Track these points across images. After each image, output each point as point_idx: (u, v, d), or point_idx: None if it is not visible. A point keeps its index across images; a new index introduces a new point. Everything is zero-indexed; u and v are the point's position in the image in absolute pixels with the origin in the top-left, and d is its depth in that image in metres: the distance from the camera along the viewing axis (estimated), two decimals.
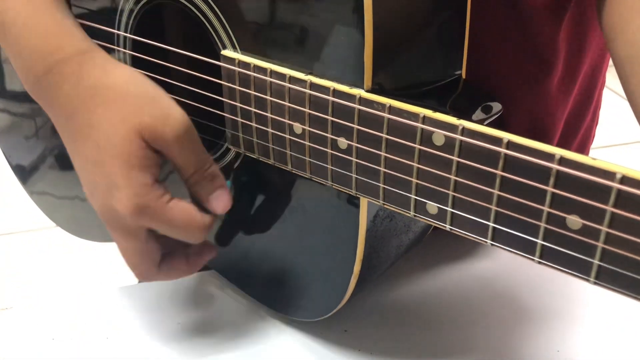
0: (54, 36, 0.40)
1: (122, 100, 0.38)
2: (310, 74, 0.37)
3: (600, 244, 0.28)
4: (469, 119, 0.37)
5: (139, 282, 0.65)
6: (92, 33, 0.49)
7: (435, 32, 0.39)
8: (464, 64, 0.41)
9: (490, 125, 0.40)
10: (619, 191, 0.27)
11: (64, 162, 0.63)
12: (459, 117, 0.33)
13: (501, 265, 0.54)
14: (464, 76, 0.41)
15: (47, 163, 0.65)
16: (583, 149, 0.58)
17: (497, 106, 0.41)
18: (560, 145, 0.53)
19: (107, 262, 1.34)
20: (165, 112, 0.38)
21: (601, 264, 0.28)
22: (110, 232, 0.40)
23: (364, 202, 0.39)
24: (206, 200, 0.40)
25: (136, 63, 0.48)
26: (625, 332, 0.48)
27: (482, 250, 0.56)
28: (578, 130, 0.55)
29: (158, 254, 0.41)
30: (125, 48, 0.48)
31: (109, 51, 0.49)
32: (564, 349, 0.46)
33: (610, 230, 0.27)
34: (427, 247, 0.54)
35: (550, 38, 0.47)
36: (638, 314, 0.49)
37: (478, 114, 0.39)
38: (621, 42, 0.38)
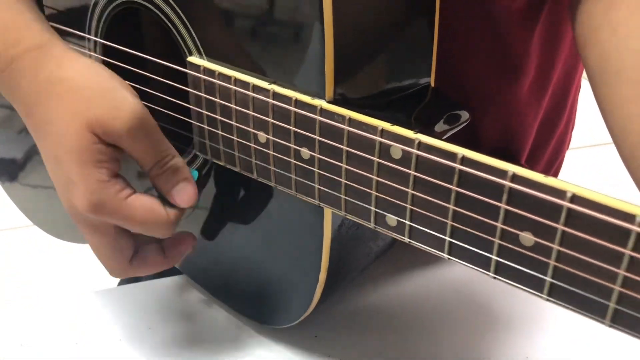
0: (12, 30, 0.39)
1: (74, 94, 0.37)
2: (274, 83, 0.37)
3: (552, 262, 0.28)
4: (432, 130, 0.37)
5: (118, 284, 0.65)
6: (63, 36, 0.49)
7: (401, 41, 0.39)
8: (433, 72, 0.41)
9: (459, 133, 0.40)
10: (569, 210, 0.27)
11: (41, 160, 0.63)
12: (422, 128, 0.33)
13: (470, 272, 0.54)
14: (432, 84, 0.41)
15: (27, 160, 0.64)
16: (558, 154, 0.58)
17: (464, 115, 0.40)
18: (534, 150, 0.54)
19: (80, 264, 1.32)
20: (116, 104, 0.37)
21: (553, 281, 0.28)
22: (79, 228, 0.40)
23: (327, 211, 0.39)
24: (168, 194, 0.39)
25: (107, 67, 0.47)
26: (591, 338, 0.48)
27: None
28: (552, 135, 0.55)
29: (129, 249, 0.40)
30: (95, 52, 0.48)
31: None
32: (533, 354, 0.47)
33: (561, 249, 0.27)
34: (397, 254, 0.54)
35: (522, 43, 0.47)
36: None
37: (441, 125, 0.39)
38: (591, 52, 0.38)
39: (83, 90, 0.37)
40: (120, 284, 0.69)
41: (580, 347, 0.47)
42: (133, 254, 0.41)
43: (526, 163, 0.53)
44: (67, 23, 0.49)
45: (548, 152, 0.56)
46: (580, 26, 0.39)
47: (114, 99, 0.37)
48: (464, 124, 0.40)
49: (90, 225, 0.38)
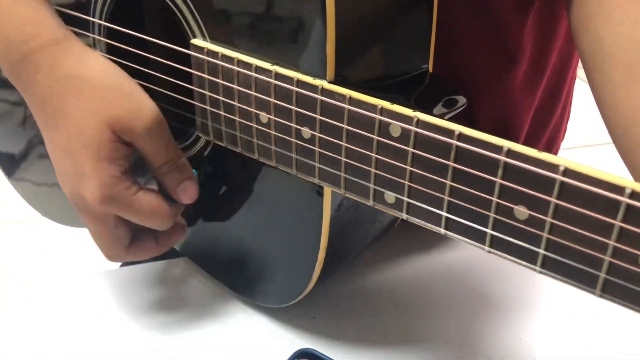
0: (29, 24, 0.40)
1: (95, 92, 0.39)
2: (276, 64, 0.38)
3: (545, 234, 0.29)
4: (430, 113, 0.38)
5: (120, 266, 0.65)
6: (68, 19, 0.50)
7: (401, 25, 0.39)
8: (431, 58, 0.42)
9: (454, 119, 0.41)
10: (562, 183, 0.28)
11: (44, 150, 0.63)
12: (420, 110, 0.34)
13: (466, 256, 0.55)
14: (431, 70, 0.42)
15: (28, 151, 0.65)
16: (553, 143, 0.59)
17: (461, 100, 0.41)
18: (529, 139, 0.55)
19: (82, 250, 1.34)
20: (137, 106, 0.39)
21: (546, 253, 0.29)
22: (80, 217, 0.42)
23: (327, 190, 0.40)
24: (174, 191, 0.42)
25: (111, 50, 0.48)
26: (583, 320, 0.49)
27: (449, 242, 0.57)
28: (547, 124, 0.56)
29: (127, 238, 0.43)
30: (100, 35, 0.49)
31: (84, 38, 0.50)
32: (526, 337, 0.48)
33: (554, 221, 0.28)
34: (395, 237, 0.55)
35: (517, 30, 0.47)
36: (595, 303, 0.50)
37: (439, 108, 0.40)
38: (586, 38, 0.39)
39: (104, 89, 0.39)
40: (122, 264, 0.70)
41: (572, 329, 0.48)
42: (131, 241, 0.43)
43: None
44: (72, 6, 0.49)
45: (543, 141, 0.57)
46: (575, 12, 0.40)
47: (135, 101, 0.39)
48: (461, 109, 0.41)
49: (93, 214, 0.40)
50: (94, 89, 0.39)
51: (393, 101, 0.34)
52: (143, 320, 0.49)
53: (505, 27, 0.47)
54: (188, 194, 0.42)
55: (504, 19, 0.46)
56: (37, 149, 0.63)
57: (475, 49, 0.48)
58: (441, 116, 0.40)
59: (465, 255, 0.56)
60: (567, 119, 0.60)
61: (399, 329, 0.48)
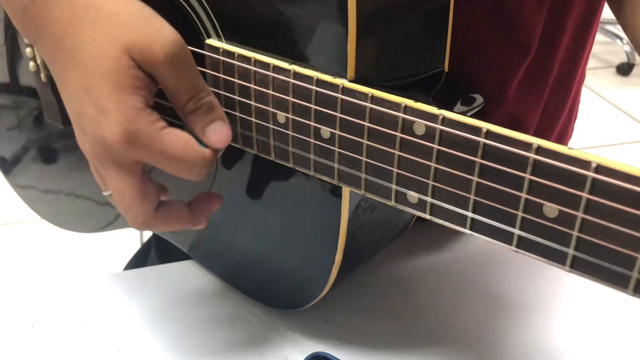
0: None
1: (110, 18, 0.36)
2: (294, 63, 0.37)
3: (575, 232, 0.29)
4: (452, 110, 0.38)
5: (124, 269, 0.65)
6: None
7: (419, 25, 0.39)
8: (447, 57, 0.42)
9: (471, 117, 0.41)
10: (594, 180, 0.27)
11: (47, 155, 0.63)
12: (441, 108, 0.34)
13: (481, 258, 0.55)
14: (446, 69, 0.42)
15: (31, 156, 0.64)
16: (560, 142, 0.59)
17: (479, 99, 0.41)
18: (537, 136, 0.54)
19: (90, 252, 1.33)
20: (155, 29, 0.36)
21: (576, 253, 0.29)
22: (102, 171, 0.38)
23: (346, 192, 0.39)
24: (202, 132, 0.37)
25: None
26: (597, 324, 0.49)
27: (463, 242, 0.57)
28: (555, 124, 0.56)
29: (155, 196, 0.38)
30: None
31: None
32: (540, 340, 0.47)
33: (586, 216, 0.28)
34: (408, 239, 0.54)
35: (531, 23, 0.47)
36: (610, 306, 0.50)
37: (459, 106, 0.39)
38: None
39: (120, 15, 0.36)
40: (126, 268, 0.69)
41: (584, 332, 0.48)
42: (158, 205, 0.39)
43: None
44: None
45: (551, 140, 0.57)
46: None
47: (153, 25, 0.36)
48: (479, 108, 0.41)
49: (117, 163, 0.36)
50: (109, 15, 0.36)
51: (414, 99, 0.33)
52: (151, 325, 0.48)
53: (521, 21, 0.47)
54: (219, 136, 0.37)
55: (522, 12, 0.46)
56: (31, 153, 0.62)
57: (491, 42, 0.47)
58: (462, 114, 0.40)
59: (478, 256, 0.55)
60: (575, 119, 0.60)
61: (412, 332, 0.48)
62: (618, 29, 2.80)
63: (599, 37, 2.72)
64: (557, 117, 0.56)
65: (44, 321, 0.49)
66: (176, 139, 0.36)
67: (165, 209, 0.39)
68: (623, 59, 2.57)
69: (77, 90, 0.36)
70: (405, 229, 0.48)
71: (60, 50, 0.37)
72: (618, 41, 2.60)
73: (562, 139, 0.59)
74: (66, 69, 0.37)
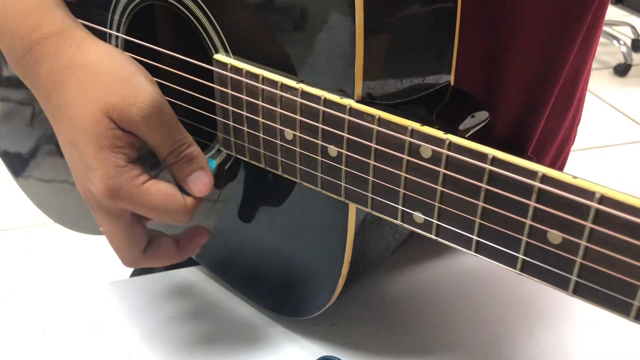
0: (33, 16, 0.40)
1: (92, 79, 0.37)
2: (302, 82, 0.38)
3: (578, 259, 0.29)
4: (456, 129, 0.39)
5: (130, 275, 0.66)
6: None
7: (425, 43, 0.39)
8: (453, 71, 0.42)
9: (478, 131, 0.41)
10: (597, 210, 0.28)
11: (54, 150, 0.63)
12: (446, 127, 0.34)
13: (485, 262, 0.56)
14: (452, 83, 0.42)
15: (42, 154, 0.65)
16: (564, 147, 0.59)
17: (484, 114, 0.42)
18: (541, 144, 0.55)
19: (97, 257, 1.34)
20: (133, 91, 0.37)
21: (579, 279, 0.29)
22: (94, 215, 0.40)
23: (352, 206, 0.40)
24: (183, 182, 0.40)
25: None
26: (600, 327, 0.49)
27: None
28: (559, 129, 0.56)
29: (143, 238, 0.41)
30: (117, 47, 0.49)
31: None
32: (543, 342, 0.48)
33: (589, 245, 0.28)
34: (414, 245, 0.55)
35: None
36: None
37: (465, 122, 0.40)
38: None
39: (101, 75, 0.38)
40: (132, 275, 0.70)
41: (587, 335, 0.49)
42: (147, 245, 0.41)
43: (533, 154, 0.54)
44: (89, 18, 0.49)
45: (555, 146, 0.57)
46: None
47: (131, 86, 0.37)
48: (484, 123, 0.42)
49: (106, 212, 0.39)
50: (91, 76, 0.37)
51: (416, 117, 0.34)
52: (160, 330, 0.49)
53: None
54: (198, 185, 0.39)
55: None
56: (45, 147, 0.63)
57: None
58: (466, 131, 0.40)
59: (482, 262, 0.56)
60: (577, 124, 0.60)
61: (417, 335, 0.49)
62: (615, 30, 2.79)
63: None
64: (561, 122, 0.56)
65: (55, 328, 0.49)
66: (157, 192, 0.38)
67: (153, 249, 0.42)
68: (620, 59, 2.57)
69: (67, 143, 0.39)
70: (411, 236, 0.49)
71: (50, 104, 0.39)
72: (615, 42, 2.60)
73: (566, 143, 0.59)
74: (56, 121, 0.39)
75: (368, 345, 0.48)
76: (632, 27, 2.77)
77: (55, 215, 0.68)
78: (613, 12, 2.89)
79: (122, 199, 0.37)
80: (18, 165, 0.67)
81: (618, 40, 2.60)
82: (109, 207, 0.38)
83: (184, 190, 0.40)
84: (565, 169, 0.64)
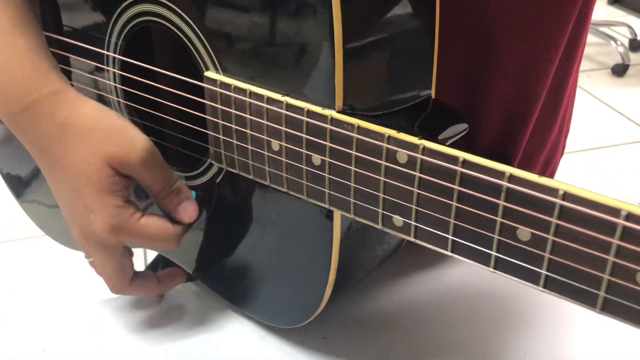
0: (31, 78, 0.44)
1: (89, 134, 0.43)
2: (287, 95, 0.40)
3: (547, 254, 0.30)
4: (435, 138, 0.40)
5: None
6: (83, 53, 0.52)
7: (404, 55, 0.41)
8: (434, 84, 0.44)
9: (459, 140, 0.43)
10: (562, 206, 0.29)
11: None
12: (426, 136, 0.36)
13: (470, 273, 0.57)
14: (433, 95, 0.44)
15: (39, 172, 0.66)
16: (551, 159, 0.60)
17: (463, 125, 0.43)
18: (527, 156, 0.56)
19: (93, 274, 1.34)
20: (130, 141, 0.43)
21: (548, 273, 0.31)
22: (90, 249, 0.46)
23: (337, 214, 0.41)
24: (175, 212, 0.45)
25: (125, 82, 0.50)
26: (587, 335, 0.50)
27: (455, 259, 0.58)
28: (545, 142, 0.57)
29: (131, 269, 0.48)
30: (114, 68, 0.51)
31: (99, 70, 0.52)
32: (530, 351, 0.49)
33: (556, 239, 0.30)
34: (403, 256, 0.56)
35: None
36: (598, 317, 0.51)
37: (445, 133, 0.41)
38: None
39: (99, 131, 0.43)
40: None
41: (576, 343, 0.50)
42: (133, 276, 0.48)
43: (519, 166, 0.55)
44: (88, 41, 0.51)
45: (542, 158, 0.58)
46: None
47: (127, 137, 0.43)
48: (463, 134, 0.43)
49: (103, 246, 0.45)
50: (88, 132, 0.43)
51: (399, 129, 0.36)
52: (158, 345, 0.50)
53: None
54: (188, 213, 0.45)
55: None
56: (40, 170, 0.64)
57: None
58: (445, 141, 0.42)
59: (468, 273, 0.57)
60: (565, 137, 0.62)
61: (407, 346, 0.50)
62: (612, 30, 2.81)
63: (593, 38, 2.74)
64: (547, 135, 0.58)
65: (55, 345, 0.51)
66: (153, 225, 0.44)
67: (139, 280, 0.49)
68: (618, 60, 2.58)
69: (66, 190, 0.44)
70: (399, 247, 0.50)
71: (46, 158, 0.44)
72: (612, 42, 2.62)
73: (553, 155, 0.61)
74: (54, 171, 0.44)
75: (359, 358, 0.49)
76: (630, 27, 2.78)
77: (57, 235, 0.70)
78: (610, 12, 2.90)
79: (123, 234, 0.44)
80: (20, 188, 0.69)
81: (615, 40, 2.61)
82: (109, 242, 0.44)
83: (172, 221, 0.46)
84: (565, 169, 0.65)
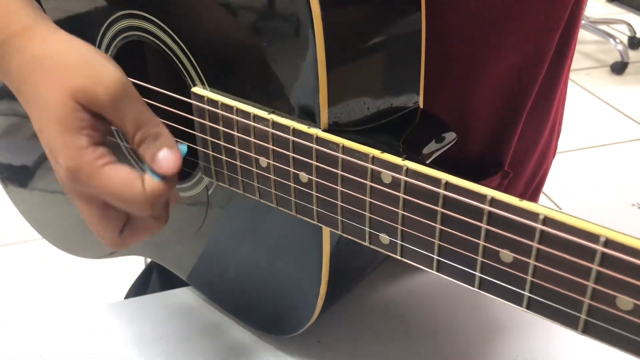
0: (2, 15, 0.41)
1: (57, 66, 0.39)
2: (274, 112, 0.40)
3: (529, 277, 0.31)
4: (420, 153, 0.40)
5: (125, 297, 0.68)
6: None
7: (390, 69, 0.41)
8: (421, 96, 0.44)
9: (447, 151, 0.43)
10: (542, 231, 0.29)
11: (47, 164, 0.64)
12: (410, 152, 0.36)
13: None
14: (421, 106, 0.44)
15: (39, 174, 0.66)
16: (542, 161, 0.60)
17: (450, 135, 0.43)
18: (518, 159, 0.56)
19: (93, 277, 1.35)
20: (98, 72, 0.38)
21: (531, 295, 0.31)
22: (70, 199, 0.40)
23: (326, 228, 0.42)
24: (152, 161, 0.39)
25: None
26: (577, 339, 0.50)
27: None
28: (535, 145, 0.57)
29: (120, 219, 0.41)
30: None
31: None
32: (522, 354, 0.49)
33: (537, 263, 0.30)
34: (394, 262, 0.56)
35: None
36: None
37: (431, 145, 0.41)
38: None
39: (66, 61, 0.39)
40: (127, 296, 0.72)
41: (568, 346, 0.50)
42: (125, 225, 0.41)
43: (511, 169, 0.55)
44: None
45: (533, 160, 0.58)
46: None
47: (97, 68, 0.38)
48: (451, 144, 0.43)
49: (80, 193, 0.39)
50: (56, 63, 0.39)
51: (384, 145, 0.36)
52: (153, 352, 0.51)
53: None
54: (168, 162, 0.39)
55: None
56: (40, 171, 0.64)
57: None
58: (431, 154, 0.42)
59: None
60: (557, 139, 0.61)
61: (401, 352, 0.50)
62: (611, 28, 2.79)
63: (592, 36, 2.72)
64: (538, 137, 0.58)
65: (52, 351, 0.52)
66: (115, 176, 0.38)
67: (130, 227, 0.41)
68: (617, 57, 2.57)
69: (37, 131, 0.39)
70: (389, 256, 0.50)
71: (21, 95, 0.40)
72: (611, 40, 2.60)
73: (545, 157, 0.61)
74: (29, 111, 0.40)
75: None
76: (629, 24, 2.77)
77: (51, 236, 0.70)
78: (609, 10, 2.89)
79: (82, 181, 0.38)
80: (15, 180, 0.69)
81: (614, 38, 2.60)
82: (75, 188, 0.39)
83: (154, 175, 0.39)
84: (564, 167, 0.65)
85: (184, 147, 0.41)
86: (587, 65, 2.61)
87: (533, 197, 0.64)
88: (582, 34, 2.77)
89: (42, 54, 0.39)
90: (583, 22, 2.68)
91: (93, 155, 0.37)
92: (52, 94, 0.38)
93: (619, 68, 2.55)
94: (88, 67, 0.38)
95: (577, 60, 2.65)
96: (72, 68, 0.38)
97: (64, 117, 0.37)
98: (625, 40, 2.69)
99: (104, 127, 0.39)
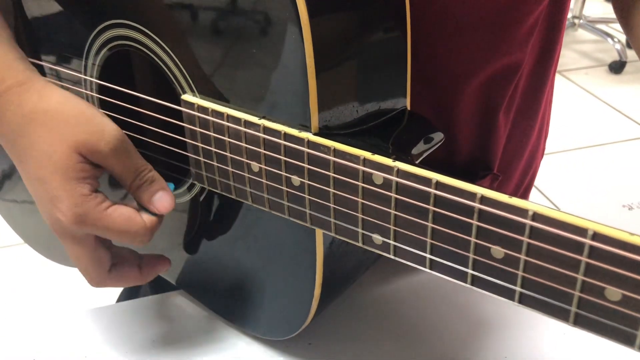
0: None
1: (58, 122, 0.42)
2: (264, 117, 0.40)
3: (520, 272, 0.31)
4: (409, 153, 0.41)
5: (117, 301, 0.67)
6: (61, 76, 0.52)
7: (377, 72, 0.42)
8: (409, 95, 0.44)
9: (440, 148, 0.44)
10: (532, 227, 0.30)
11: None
12: (399, 153, 0.36)
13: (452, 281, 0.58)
14: (409, 107, 0.45)
15: (13, 174, 0.66)
16: (532, 162, 0.61)
17: (438, 136, 0.44)
18: (507, 160, 0.57)
19: (85, 281, 1.34)
20: (100, 128, 0.42)
21: (522, 290, 0.32)
22: (61, 241, 0.44)
23: (319, 230, 0.42)
24: (149, 203, 0.44)
25: (103, 105, 0.51)
26: (566, 340, 0.51)
27: None
28: (524, 146, 0.58)
29: (107, 260, 0.45)
30: (92, 91, 0.51)
31: (77, 94, 0.52)
32: (511, 355, 0.50)
33: (528, 258, 0.31)
34: (385, 263, 0.57)
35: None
36: None
37: (419, 146, 0.42)
38: None
39: (68, 117, 0.42)
40: (119, 300, 0.72)
41: (556, 347, 0.51)
42: (111, 266, 0.46)
43: (500, 172, 0.56)
44: (65, 64, 0.52)
45: (522, 163, 0.59)
46: None
47: (97, 124, 0.42)
48: (440, 144, 0.44)
49: (72, 237, 0.43)
50: (57, 119, 0.42)
51: (372, 146, 0.36)
52: (145, 355, 0.51)
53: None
54: (163, 203, 0.44)
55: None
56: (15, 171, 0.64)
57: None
58: (420, 155, 0.43)
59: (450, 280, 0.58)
60: (545, 140, 0.62)
61: (392, 353, 0.51)
62: (609, 28, 2.81)
63: (590, 36, 2.75)
64: (526, 140, 0.59)
65: (45, 354, 0.51)
66: (119, 216, 0.42)
67: (117, 270, 0.46)
68: (615, 57, 2.59)
69: (33, 179, 0.43)
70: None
71: (15, 147, 0.43)
72: (609, 40, 2.62)
73: (533, 158, 0.62)
74: (22, 161, 0.43)
75: None
76: None
77: (34, 242, 0.70)
78: (607, 9, 2.90)
79: (88, 224, 0.41)
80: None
81: (612, 37, 2.61)
82: (75, 232, 0.42)
83: (145, 212, 0.44)
84: (563, 167, 0.66)
85: (171, 185, 0.46)
86: (586, 65, 2.62)
87: (523, 198, 0.65)
88: (581, 33, 2.79)
89: (41, 109, 0.42)
90: (581, 21, 2.69)
91: (96, 200, 0.42)
92: (55, 147, 0.41)
93: (617, 67, 2.56)
94: (89, 124, 0.42)
95: (576, 60, 2.66)
96: (75, 124, 0.42)
97: (68, 168, 0.41)
98: (623, 39, 2.71)
99: (99, 175, 0.43)
